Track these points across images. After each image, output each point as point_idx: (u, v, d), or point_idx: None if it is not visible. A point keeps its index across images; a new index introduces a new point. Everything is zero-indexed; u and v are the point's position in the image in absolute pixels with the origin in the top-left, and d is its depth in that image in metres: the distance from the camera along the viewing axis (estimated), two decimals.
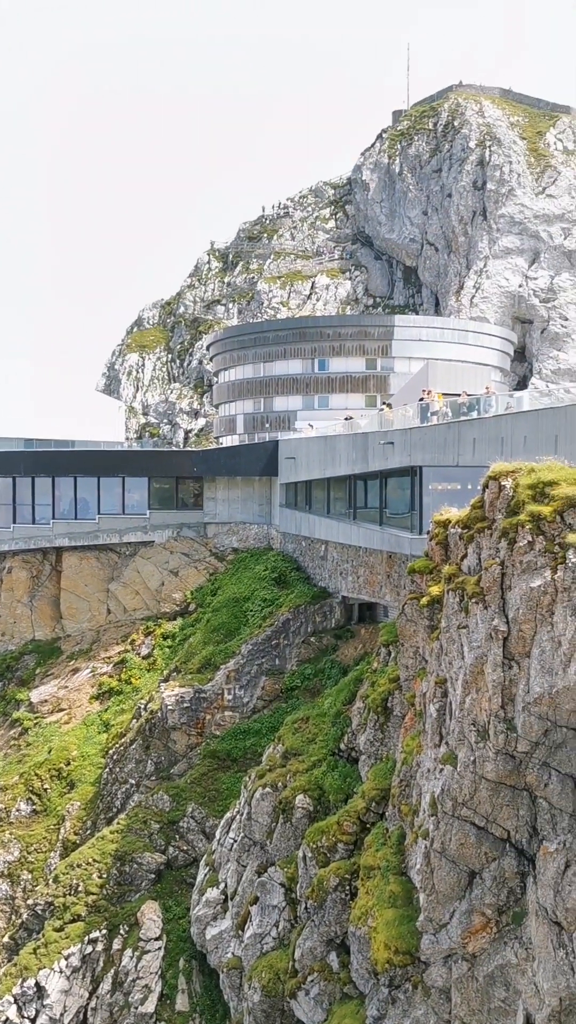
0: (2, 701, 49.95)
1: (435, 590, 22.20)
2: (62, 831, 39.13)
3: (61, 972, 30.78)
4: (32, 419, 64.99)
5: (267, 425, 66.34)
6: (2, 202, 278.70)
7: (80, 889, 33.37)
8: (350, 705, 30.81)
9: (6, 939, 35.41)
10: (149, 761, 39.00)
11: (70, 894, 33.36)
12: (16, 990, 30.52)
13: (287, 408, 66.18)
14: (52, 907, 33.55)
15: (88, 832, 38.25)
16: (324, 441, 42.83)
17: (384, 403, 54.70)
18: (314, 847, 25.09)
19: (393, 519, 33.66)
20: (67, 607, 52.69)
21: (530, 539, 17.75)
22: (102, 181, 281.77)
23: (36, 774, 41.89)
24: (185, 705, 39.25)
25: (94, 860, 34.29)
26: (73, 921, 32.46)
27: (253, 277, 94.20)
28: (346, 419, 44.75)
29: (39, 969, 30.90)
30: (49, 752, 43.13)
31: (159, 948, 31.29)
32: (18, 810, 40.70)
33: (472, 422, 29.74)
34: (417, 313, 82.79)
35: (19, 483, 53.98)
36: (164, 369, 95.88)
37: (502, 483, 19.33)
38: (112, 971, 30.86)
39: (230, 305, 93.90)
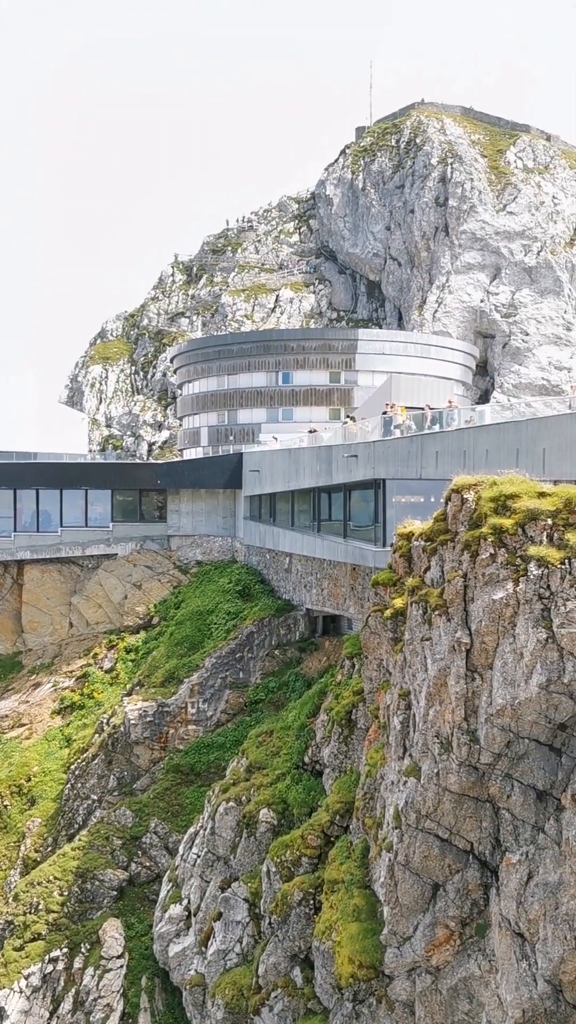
0: None
1: (399, 602, 22.29)
2: (22, 848, 38.55)
3: (21, 992, 30.27)
4: None
5: (231, 437, 66.24)
6: None
7: (41, 907, 32.88)
8: (314, 718, 30.78)
9: None
10: (112, 776, 38.61)
11: (30, 912, 32.86)
12: None
13: (251, 421, 66.15)
14: (12, 926, 33.01)
15: (49, 849, 37.73)
16: (288, 454, 42.89)
17: (348, 416, 54.91)
18: (278, 861, 24.98)
19: (357, 532, 33.77)
20: (28, 621, 52.09)
21: (492, 551, 17.90)
22: (64, 192, 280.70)
23: None
24: (148, 719, 38.94)
25: (55, 877, 33.82)
26: (33, 940, 31.96)
27: (217, 290, 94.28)
28: (310, 432, 44.84)
29: None
30: (9, 768, 42.52)
31: (121, 966, 30.90)
32: None
33: (435, 435, 29.98)
34: (380, 327, 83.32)
35: None
36: (128, 381, 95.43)
37: (465, 496, 19.50)
38: (73, 990, 30.41)
39: (194, 318, 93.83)
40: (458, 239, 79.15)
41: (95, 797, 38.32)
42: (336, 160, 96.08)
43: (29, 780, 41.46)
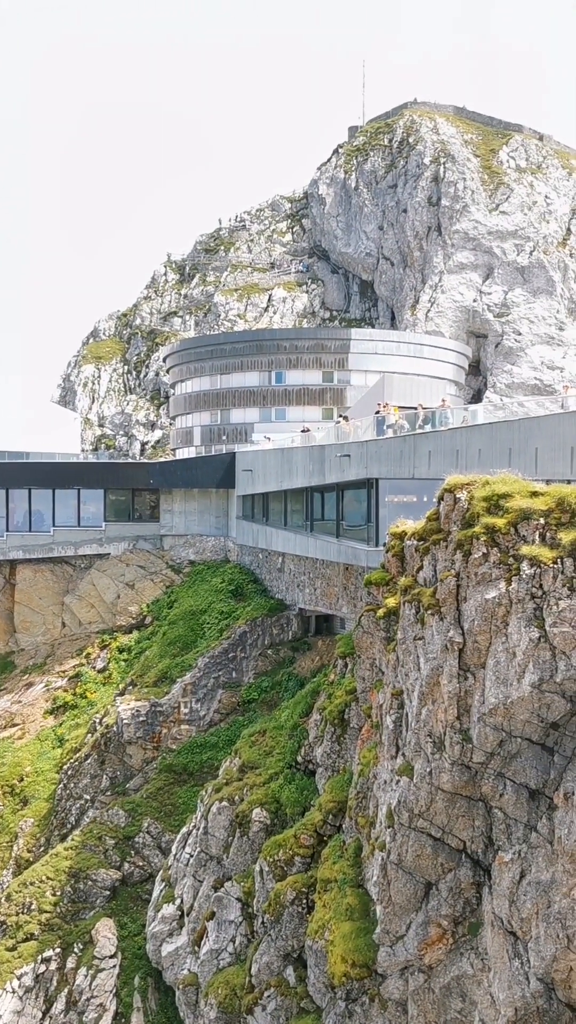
0: None
1: (391, 602, 22.32)
2: (15, 848, 38.49)
3: (14, 992, 30.22)
4: None
5: (224, 437, 66.20)
6: None
7: (33, 907, 32.83)
8: (307, 718, 30.79)
9: None
10: (104, 776, 38.57)
11: (23, 912, 32.81)
12: None
13: (244, 420, 66.11)
14: (4, 926, 32.96)
15: (42, 849, 37.68)
16: (281, 453, 42.89)
17: (341, 416, 54.94)
18: (271, 861, 24.99)
19: (350, 531, 33.80)
20: (21, 620, 52.00)
21: (485, 551, 17.93)
22: (57, 192, 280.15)
23: None
24: (141, 719, 38.91)
25: (48, 878, 33.77)
26: (26, 940, 31.90)
27: (210, 289, 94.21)
28: (303, 431, 44.86)
29: None
30: (2, 768, 42.45)
31: (114, 966, 30.87)
32: None
33: (428, 435, 30.00)
34: (373, 326, 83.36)
35: None
36: (120, 381, 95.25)
37: (457, 495, 19.53)
38: (66, 990, 30.37)
39: (187, 317, 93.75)
40: (451, 239, 79.23)
41: (88, 797, 38.27)
42: (329, 159, 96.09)
43: (22, 780, 41.39)
